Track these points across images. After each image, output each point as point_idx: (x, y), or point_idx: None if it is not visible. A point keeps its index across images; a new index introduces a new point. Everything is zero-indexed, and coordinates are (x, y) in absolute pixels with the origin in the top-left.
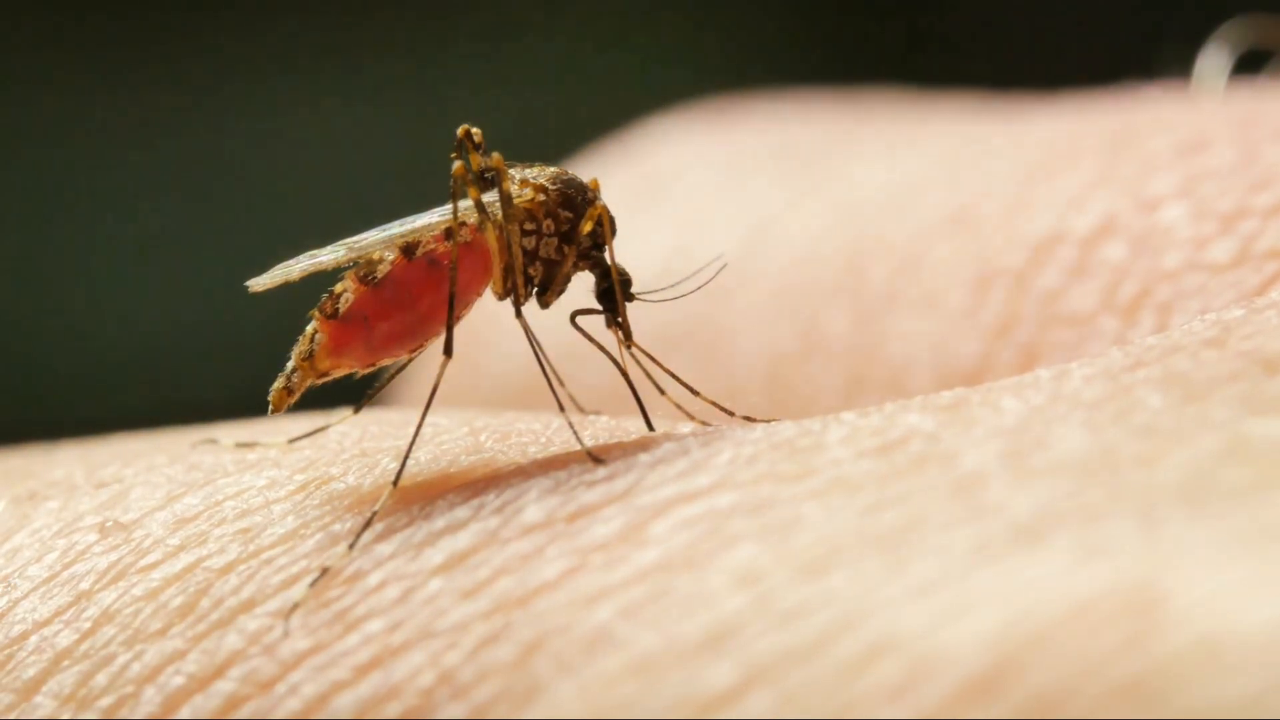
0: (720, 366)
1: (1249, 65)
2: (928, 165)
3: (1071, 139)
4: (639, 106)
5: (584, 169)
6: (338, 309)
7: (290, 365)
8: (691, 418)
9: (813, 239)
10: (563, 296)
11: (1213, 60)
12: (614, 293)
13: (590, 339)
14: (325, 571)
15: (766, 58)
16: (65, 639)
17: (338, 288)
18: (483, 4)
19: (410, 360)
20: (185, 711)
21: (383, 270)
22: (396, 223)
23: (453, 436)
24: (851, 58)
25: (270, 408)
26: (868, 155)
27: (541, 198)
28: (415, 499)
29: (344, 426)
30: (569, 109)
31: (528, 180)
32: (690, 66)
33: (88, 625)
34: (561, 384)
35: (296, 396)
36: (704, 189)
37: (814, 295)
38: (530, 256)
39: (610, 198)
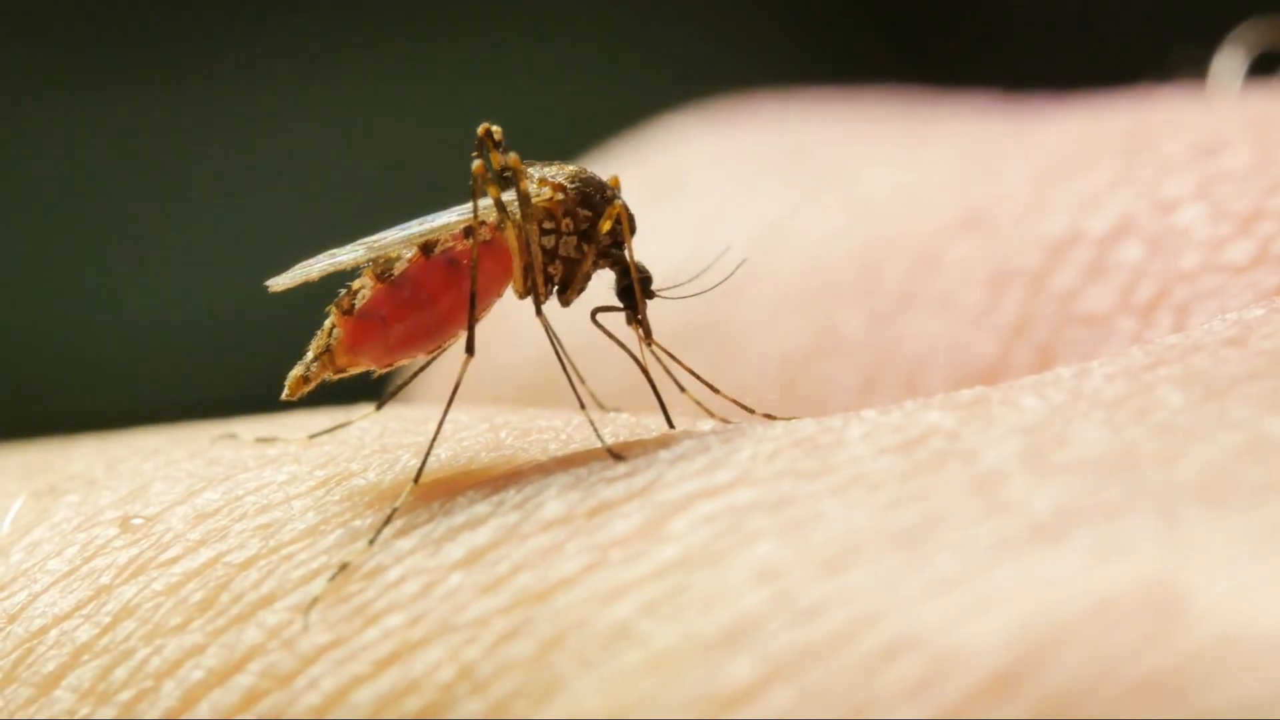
0: (734, 365)
1: (1264, 67)
2: (942, 165)
3: (1087, 140)
4: (652, 105)
5: (598, 167)
6: (354, 305)
7: (309, 356)
8: (711, 415)
9: (827, 238)
10: (583, 294)
11: (1228, 62)
12: (634, 290)
13: (611, 336)
14: (345, 567)
15: (779, 57)
16: (85, 633)
17: (355, 284)
18: (499, 3)
19: (431, 360)
20: (204, 706)
21: (400, 267)
22: (416, 221)
23: (473, 433)
24: (865, 57)
25: (285, 392)
26: (881, 155)
27: (560, 196)
28: (436, 495)
29: (365, 423)
30: (583, 107)
31: (546, 179)
32: (703, 65)
33: (107, 620)
34: (582, 381)
35: (312, 386)
36: (717, 188)
37: (828, 295)
38: (550, 255)
39: (624, 196)
